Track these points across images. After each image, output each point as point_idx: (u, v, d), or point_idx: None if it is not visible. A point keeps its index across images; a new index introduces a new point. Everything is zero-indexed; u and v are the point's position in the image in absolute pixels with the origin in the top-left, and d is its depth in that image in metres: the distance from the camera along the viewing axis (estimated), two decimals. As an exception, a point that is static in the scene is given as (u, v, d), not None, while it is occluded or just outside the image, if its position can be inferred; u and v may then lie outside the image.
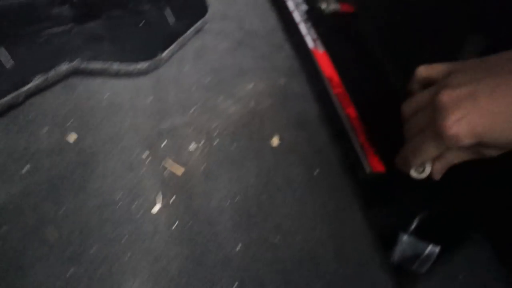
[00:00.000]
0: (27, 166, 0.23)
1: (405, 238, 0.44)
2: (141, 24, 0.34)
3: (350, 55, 0.61)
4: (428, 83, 0.33)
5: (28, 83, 0.25)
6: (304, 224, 0.32)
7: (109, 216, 0.24)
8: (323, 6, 0.67)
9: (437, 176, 0.33)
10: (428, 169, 0.34)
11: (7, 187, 0.22)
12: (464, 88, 0.27)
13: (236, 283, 0.26)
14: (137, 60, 0.31)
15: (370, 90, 0.58)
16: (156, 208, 0.26)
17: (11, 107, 0.25)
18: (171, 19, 0.36)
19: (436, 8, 0.56)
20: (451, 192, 0.49)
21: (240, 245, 0.27)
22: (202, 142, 0.31)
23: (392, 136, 0.51)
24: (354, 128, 0.46)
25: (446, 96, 0.27)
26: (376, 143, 0.47)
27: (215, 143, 0.32)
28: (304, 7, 0.62)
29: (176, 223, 0.26)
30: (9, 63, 0.25)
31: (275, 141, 0.35)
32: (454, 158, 0.31)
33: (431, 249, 0.45)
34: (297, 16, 0.58)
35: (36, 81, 0.25)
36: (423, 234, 0.46)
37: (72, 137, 0.26)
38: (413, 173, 0.34)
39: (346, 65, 0.56)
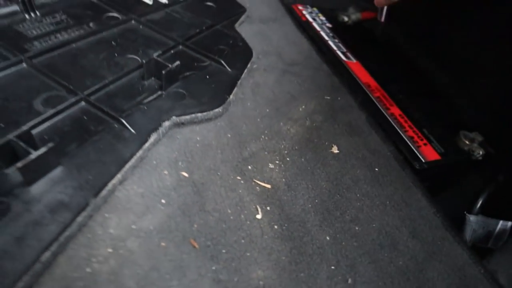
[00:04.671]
0: (163, 200, 0.35)
1: (472, 218, 0.52)
2: (207, 77, 0.47)
3: (380, 58, 0.72)
4: None
5: (147, 141, 0.38)
6: (377, 214, 0.41)
7: (228, 226, 0.35)
8: (346, 19, 0.79)
9: None
10: None
11: (155, 216, 0.34)
12: None
13: (333, 267, 0.36)
14: (212, 106, 0.43)
15: (406, 85, 0.68)
16: (259, 216, 0.36)
17: (141, 159, 0.37)
18: (227, 67, 0.49)
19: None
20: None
21: (328, 236, 0.38)
22: (277, 161, 0.42)
23: (441, 124, 0.60)
24: (402, 124, 0.56)
25: None
26: (425, 134, 0.56)
27: (287, 160, 0.43)
28: (328, 25, 0.74)
29: (276, 225, 0.36)
30: (131, 129, 0.38)
31: (335, 150, 0.45)
32: None
33: (502, 224, 0.52)
34: (324, 35, 0.69)
35: (152, 138, 0.38)
36: (490, 212, 0.53)
37: (185, 174, 0.38)
38: None
39: (379, 67, 0.67)
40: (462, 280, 0.39)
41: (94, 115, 0.38)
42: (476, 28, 0.65)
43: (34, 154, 0.30)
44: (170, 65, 0.42)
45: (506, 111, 0.61)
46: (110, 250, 0.30)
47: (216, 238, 0.34)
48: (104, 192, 0.32)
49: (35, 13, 0.47)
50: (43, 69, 0.41)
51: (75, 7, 0.51)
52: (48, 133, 0.35)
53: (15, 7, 0.46)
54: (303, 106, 0.49)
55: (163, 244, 0.32)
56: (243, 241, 0.34)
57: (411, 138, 0.54)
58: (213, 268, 0.32)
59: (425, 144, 0.54)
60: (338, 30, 0.73)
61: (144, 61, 0.42)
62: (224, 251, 0.33)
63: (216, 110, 0.43)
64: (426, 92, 0.68)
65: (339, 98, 0.52)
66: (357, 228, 0.39)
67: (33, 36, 0.44)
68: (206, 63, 0.49)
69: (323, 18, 0.75)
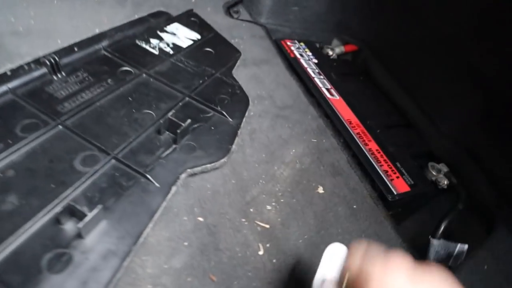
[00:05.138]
0: (185, 243, 0.46)
1: (435, 241, 0.64)
2: (212, 128, 0.57)
3: (361, 93, 0.83)
4: None
5: (169, 192, 0.48)
6: (353, 244, 0.53)
7: (237, 262, 0.46)
8: (330, 52, 0.90)
9: None
10: None
11: (180, 256, 0.44)
12: None
13: (318, 290, 0.47)
14: (218, 156, 0.54)
15: (383, 119, 0.79)
16: (260, 252, 0.48)
17: (168, 209, 0.47)
18: (228, 117, 0.59)
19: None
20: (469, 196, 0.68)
21: (315, 266, 0.49)
22: (273, 203, 0.53)
23: (413, 156, 0.72)
24: (378, 159, 0.68)
25: None
26: (398, 168, 0.68)
27: (282, 201, 0.54)
28: (314, 60, 0.85)
29: (274, 259, 0.48)
30: (155, 183, 0.48)
31: (320, 190, 0.57)
32: None
33: (460, 247, 0.65)
34: (311, 72, 0.80)
35: (173, 189, 0.48)
36: (451, 236, 0.65)
37: (200, 219, 0.48)
38: None
39: (359, 103, 0.78)
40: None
41: (123, 171, 0.48)
42: (443, 68, 0.77)
43: (89, 216, 0.40)
44: (183, 124, 0.52)
45: (468, 144, 0.73)
46: (150, 287, 0.41)
47: (228, 272, 0.45)
48: (141, 239, 0.43)
49: (61, 74, 0.56)
50: (76, 129, 0.50)
51: (93, 63, 0.60)
52: (90, 191, 0.45)
53: (44, 70, 0.55)
54: (293, 150, 0.60)
55: (189, 279, 0.43)
56: (249, 274, 0.46)
57: (385, 172, 0.66)
58: (228, 297, 0.43)
59: (397, 177, 0.66)
60: (323, 65, 0.84)
61: (161, 121, 0.52)
62: (235, 282, 0.44)
63: (222, 160, 0.53)
64: (400, 125, 0.80)
65: (324, 141, 0.63)
66: (338, 257, 0.51)
67: (63, 98, 0.53)
68: (210, 114, 0.59)
69: (310, 54, 0.86)
